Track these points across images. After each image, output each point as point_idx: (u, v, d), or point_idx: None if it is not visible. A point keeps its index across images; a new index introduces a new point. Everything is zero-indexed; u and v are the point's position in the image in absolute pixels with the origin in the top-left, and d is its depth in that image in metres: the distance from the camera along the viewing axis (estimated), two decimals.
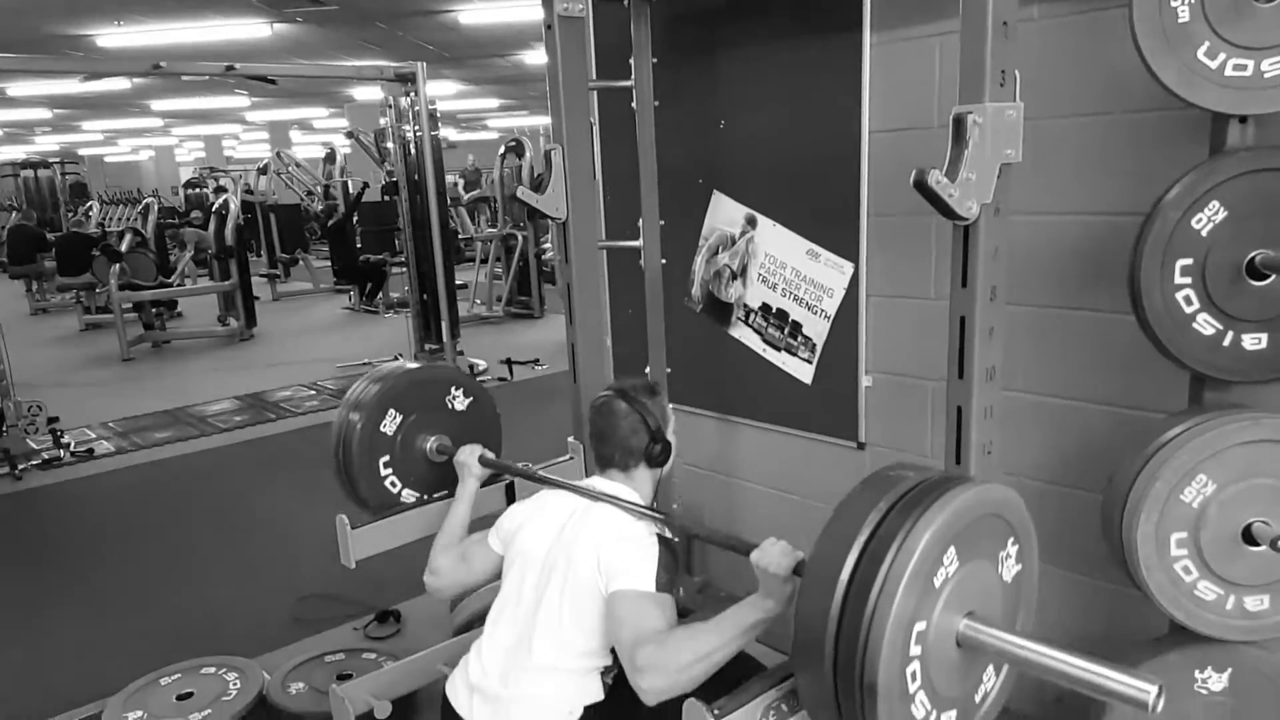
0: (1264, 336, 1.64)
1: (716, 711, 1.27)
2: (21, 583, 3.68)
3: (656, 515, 1.67)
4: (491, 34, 9.21)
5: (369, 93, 12.02)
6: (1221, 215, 1.59)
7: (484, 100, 15.63)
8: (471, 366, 6.48)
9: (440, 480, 2.23)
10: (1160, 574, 1.63)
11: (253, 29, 8.44)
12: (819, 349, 2.61)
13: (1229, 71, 1.55)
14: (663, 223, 2.76)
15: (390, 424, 2.17)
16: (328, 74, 10.10)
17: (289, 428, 5.78)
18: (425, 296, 5.93)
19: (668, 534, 1.65)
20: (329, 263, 11.22)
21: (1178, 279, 1.63)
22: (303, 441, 5.48)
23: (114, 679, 2.58)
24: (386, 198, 10.08)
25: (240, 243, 8.91)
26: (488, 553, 1.82)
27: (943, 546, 1.15)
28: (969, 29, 1.48)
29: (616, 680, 1.60)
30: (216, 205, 9.12)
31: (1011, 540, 1.29)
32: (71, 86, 10.86)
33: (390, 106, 6.20)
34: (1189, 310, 1.64)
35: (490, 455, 2.11)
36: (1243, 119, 1.60)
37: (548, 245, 9.05)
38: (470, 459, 2.08)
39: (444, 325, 5.87)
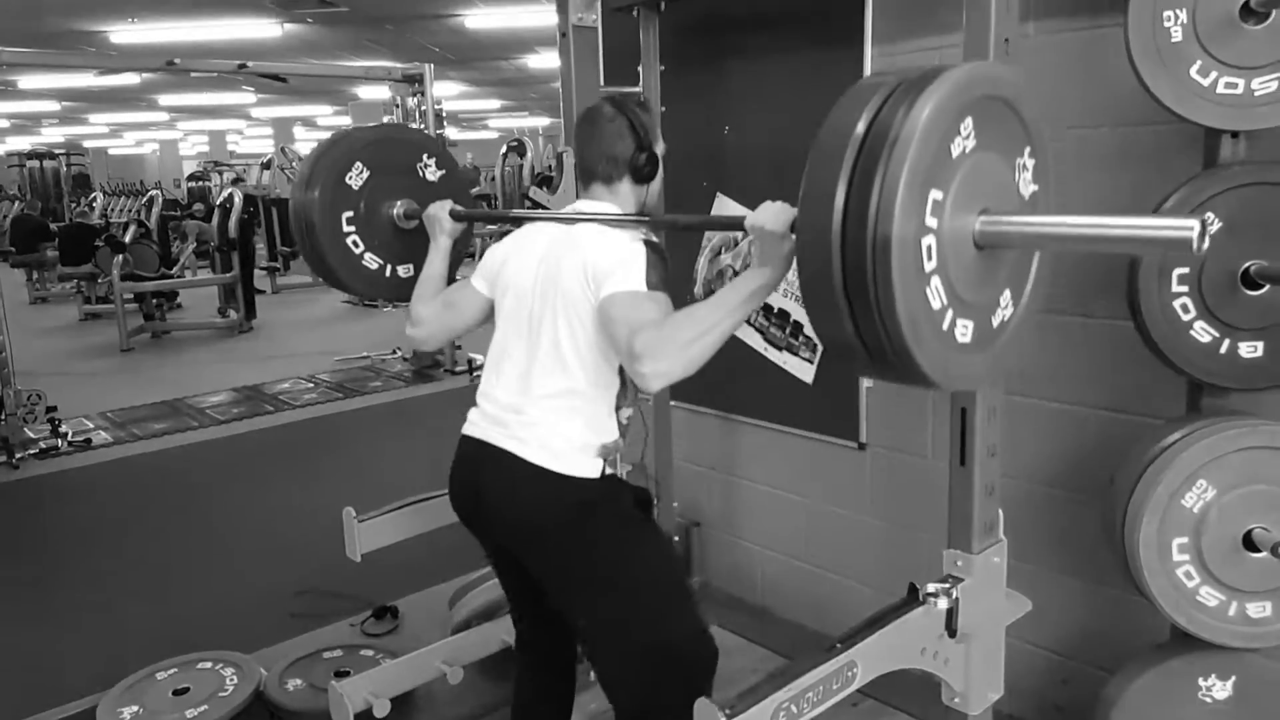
0: (1260, 344, 1.67)
1: (728, 711, 1.25)
2: (16, 572, 3.67)
3: (640, 219, 1.63)
4: (496, 38, 9.27)
5: (373, 92, 12.05)
6: (1216, 226, 1.62)
7: (486, 101, 15.68)
8: (470, 360, 6.50)
9: (405, 250, 2.11)
10: (1162, 579, 1.64)
11: (263, 28, 8.49)
12: (820, 349, 2.63)
13: (1221, 89, 1.58)
14: None
15: (356, 177, 2.03)
16: (338, 74, 10.13)
17: (287, 420, 5.78)
18: None
19: (654, 239, 1.61)
20: None
21: (1175, 287, 1.66)
22: (301, 434, 5.49)
23: (109, 673, 2.56)
24: None
25: (244, 235, 8.92)
26: (473, 294, 1.77)
27: (958, 111, 1.07)
28: (971, 46, 1.50)
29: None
30: (221, 199, 9.14)
31: (1029, 150, 1.23)
32: (81, 80, 10.92)
33: (397, 106, 6.24)
34: (1186, 318, 1.66)
35: (461, 209, 1.96)
36: (1234, 134, 1.63)
37: None
38: (441, 212, 1.95)
39: None
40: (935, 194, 1.07)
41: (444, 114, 6.56)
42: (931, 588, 1.44)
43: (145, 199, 11.39)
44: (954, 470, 1.55)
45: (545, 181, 2.24)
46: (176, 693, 2.46)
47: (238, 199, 8.87)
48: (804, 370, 2.69)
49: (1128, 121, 1.94)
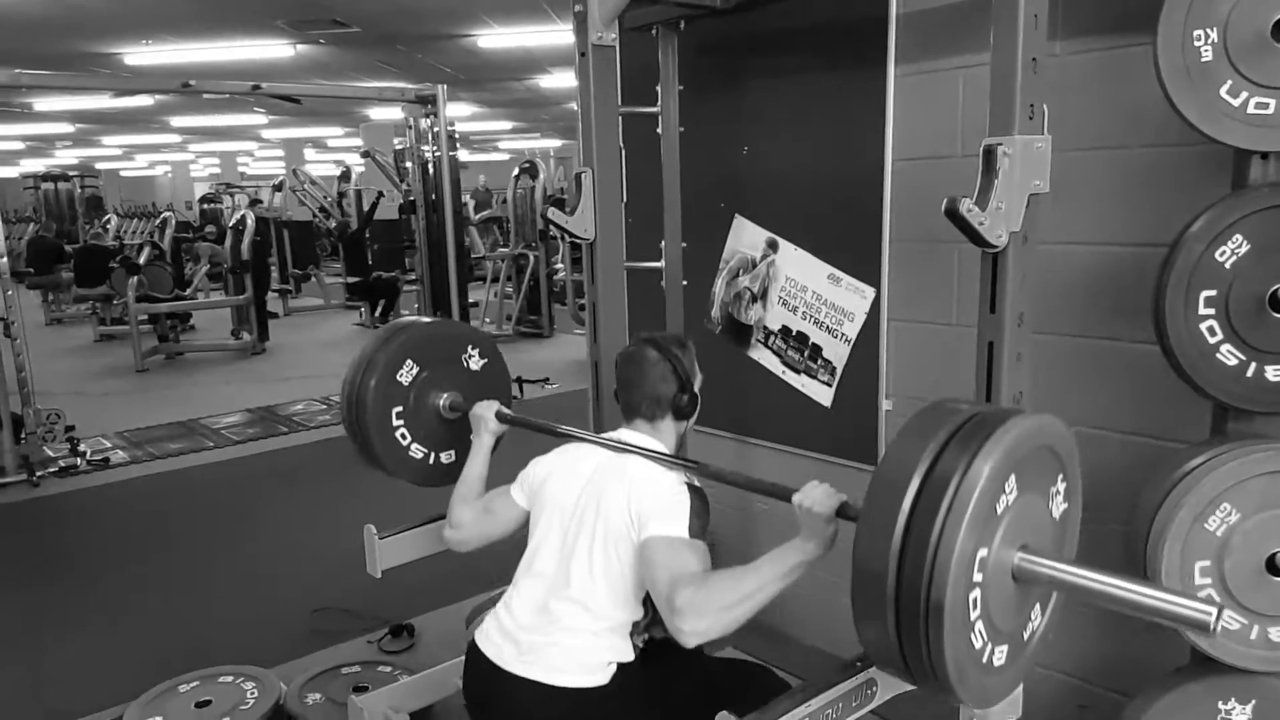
0: None
1: None
2: (41, 587, 3.70)
3: (687, 464, 1.66)
4: (509, 58, 9.34)
5: (384, 113, 12.15)
6: (1245, 248, 1.62)
7: (497, 122, 15.78)
8: None
9: (450, 438, 2.21)
10: None
11: (276, 50, 8.58)
12: (839, 372, 2.63)
13: (1251, 109, 1.58)
14: (685, 245, 2.79)
15: (407, 374, 2.15)
16: (350, 94, 10.22)
17: (301, 441, 5.80)
18: (438, 314, 5.98)
19: (697, 483, 1.64)
20: (340, 279, 11.27)
21: (1201, 310, 1.65)
22: (315, 456, 5.50)
23: (131, 686, 2.60)
24: (402, 216, 10.17)
25: (258, 258, 8.99)
26: (511, 505, 1.80)
27: (1007, 471, 1.14)
28: (999, 64, 1.52)
29: (648, 645, 1.60)
30: (234, 221, 9.21)
31: (1061, 477, 1.29)
32: (95, 102, 11.04)
33: (410, 127, 6.29)
34: (1212, 341, 1.66)
35: (507, 411, 2.05)
36: (1264, 155, 1.63)
37: (559, 265, 9.11)
38: (487, 413, 2.02)
39: None
40: (982, 552, 1.13)
41: (456, 135, 6.61)
42: None
43: (159, 221, 11.48)
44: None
45: (559, 204, 2.27)
46: (199, 705, 2.49)
47: (250, 221, 8.93)
48: (823, 394, 2.69)
49: (1155, 142, 1.94)
